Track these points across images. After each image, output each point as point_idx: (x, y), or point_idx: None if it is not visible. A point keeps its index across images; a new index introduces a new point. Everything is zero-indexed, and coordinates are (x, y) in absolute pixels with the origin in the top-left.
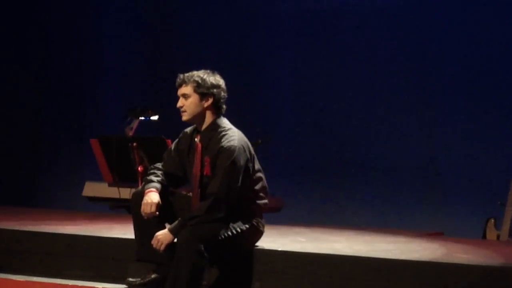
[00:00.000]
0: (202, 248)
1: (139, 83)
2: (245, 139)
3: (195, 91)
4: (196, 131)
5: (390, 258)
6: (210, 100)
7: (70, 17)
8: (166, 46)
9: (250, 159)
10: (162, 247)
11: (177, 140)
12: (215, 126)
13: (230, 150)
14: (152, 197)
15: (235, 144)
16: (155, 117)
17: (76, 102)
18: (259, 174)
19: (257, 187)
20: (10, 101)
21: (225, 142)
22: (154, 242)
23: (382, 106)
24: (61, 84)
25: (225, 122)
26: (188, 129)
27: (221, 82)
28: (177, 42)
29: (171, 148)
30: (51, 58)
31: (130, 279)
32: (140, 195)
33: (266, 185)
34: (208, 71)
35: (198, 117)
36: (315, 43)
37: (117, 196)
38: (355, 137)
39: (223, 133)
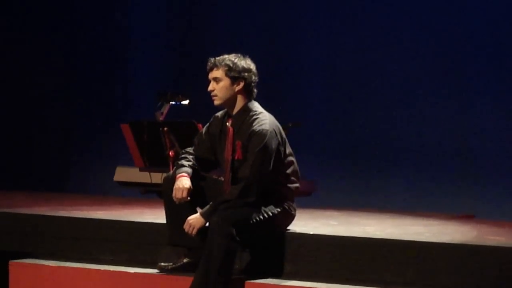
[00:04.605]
0: (234, 232)
1: (170, 68)
2: (277, 122)
3: (226, 75)
4: (227, 115)
5: (422, 241)
6: (242, 84)
7: (99, 1)
8: (196, 29)
9: (282, 143)
10: (194, 232)
11: (208, 124)
12: (246, 110)
13: (261, 134)
14: (184, 182)
15: (267, 128)
16: (185, 102)
17: (106, 87)
18: (291, 158)
19: (289, 171)
20: (40, 87)
21: (256, 126)
22: (186, 226)
23: (413, 88)
24: (91, 69)
25: (256, 106)
26: (219, 113)
27: (252, 66)
28: (207, 25)
29: (202, 132)
30: (80, 43)
31: (162, 264)
32: (172, 180)
33: (298, 169)
34: (239, 55)
35: (230, 101)
36: (346, 26)
37: (148, 181)
38: (386, 120)
39: (255, 117)
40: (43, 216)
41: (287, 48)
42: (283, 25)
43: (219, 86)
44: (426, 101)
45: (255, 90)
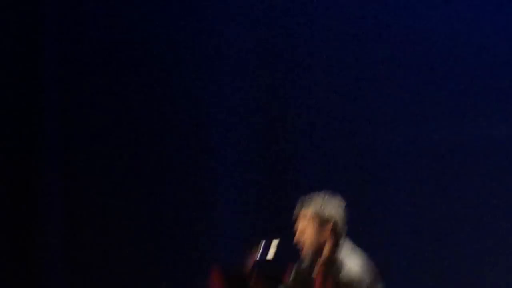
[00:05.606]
0: None
1: (258, 213)
2: (368, 267)
3: (313, 221)
4: (313, 264)
5: None
6: (329, 229)
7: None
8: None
9: None
10: None
11: (293, 276)
12: (333, 257)
13: (349, 284)
14: None
15: (354, 277)
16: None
17: (193, 234)
18: None
19: None
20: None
21: (345, 275)
22: None
23: None
24: (176, 215)
25: (345, 249)
26: (303, 264)
27: (340, 207)
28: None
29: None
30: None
31: None
32: None
33: None
34: (328, 194)
35: (318, 248)
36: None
37: None
38: None
39: (343, 264)
40: None
41: None
42: None
43: (305, 235)
44: None
45: (344, 232)
